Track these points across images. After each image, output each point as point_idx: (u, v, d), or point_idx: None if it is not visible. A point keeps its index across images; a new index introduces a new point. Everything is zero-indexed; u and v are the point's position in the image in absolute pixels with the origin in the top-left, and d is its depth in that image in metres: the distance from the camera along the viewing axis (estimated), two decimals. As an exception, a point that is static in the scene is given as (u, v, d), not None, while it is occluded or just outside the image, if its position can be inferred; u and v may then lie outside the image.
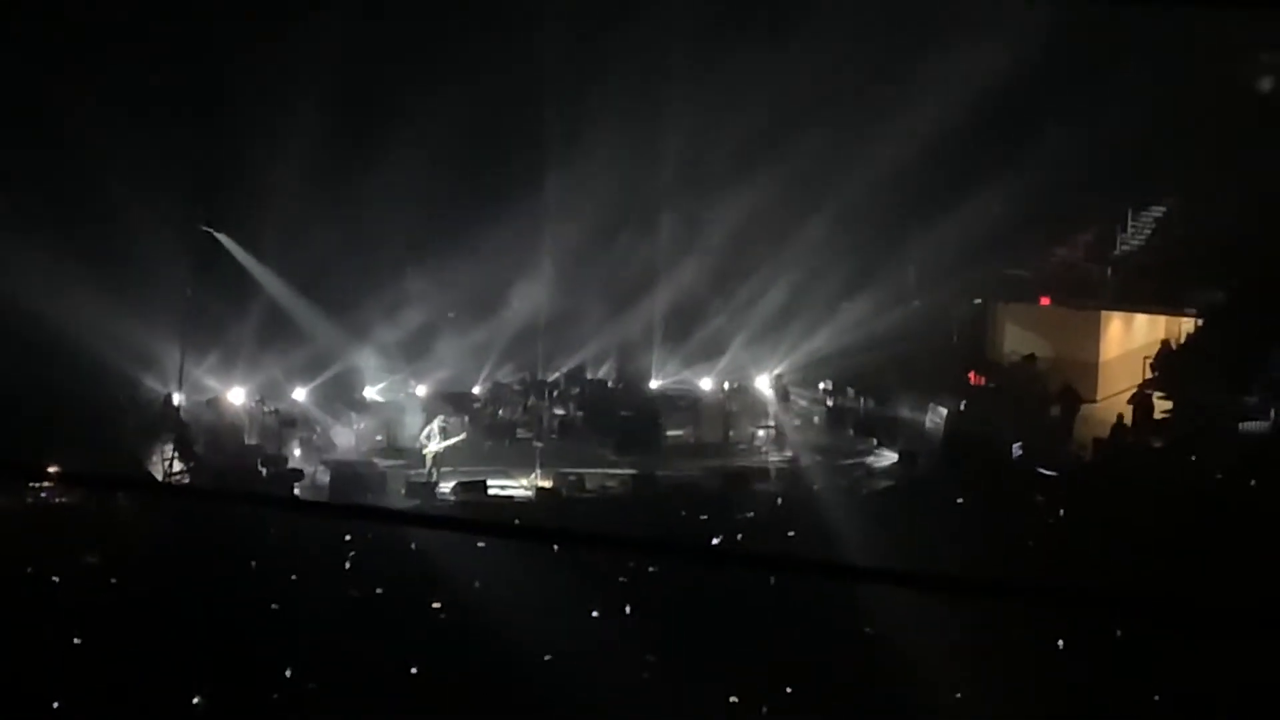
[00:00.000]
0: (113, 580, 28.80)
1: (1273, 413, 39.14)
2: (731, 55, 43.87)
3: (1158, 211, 46.55)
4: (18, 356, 37.04)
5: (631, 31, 42.44)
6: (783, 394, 43.04)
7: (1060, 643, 26.19)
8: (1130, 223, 46.60)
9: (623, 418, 41.74)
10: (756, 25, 43.42)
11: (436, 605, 28.06)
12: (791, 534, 32.58)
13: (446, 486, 36.41)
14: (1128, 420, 40.52)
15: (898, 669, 26.10)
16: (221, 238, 43.52)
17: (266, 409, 39.46)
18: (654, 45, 43.29)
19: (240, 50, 41.53)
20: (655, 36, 43.06)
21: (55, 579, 28.54)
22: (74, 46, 40.02)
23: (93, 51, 39.89)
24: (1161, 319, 46.17)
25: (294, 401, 40.32)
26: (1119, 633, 25.87)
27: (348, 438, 39.88)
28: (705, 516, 33.64)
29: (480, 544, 29.12)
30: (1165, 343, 44.56)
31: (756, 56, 43.36)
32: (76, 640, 26.15)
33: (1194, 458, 37.65)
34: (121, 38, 40.01)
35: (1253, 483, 34.45)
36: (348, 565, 29.42)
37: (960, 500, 35.08)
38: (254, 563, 29.17)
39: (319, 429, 40.00)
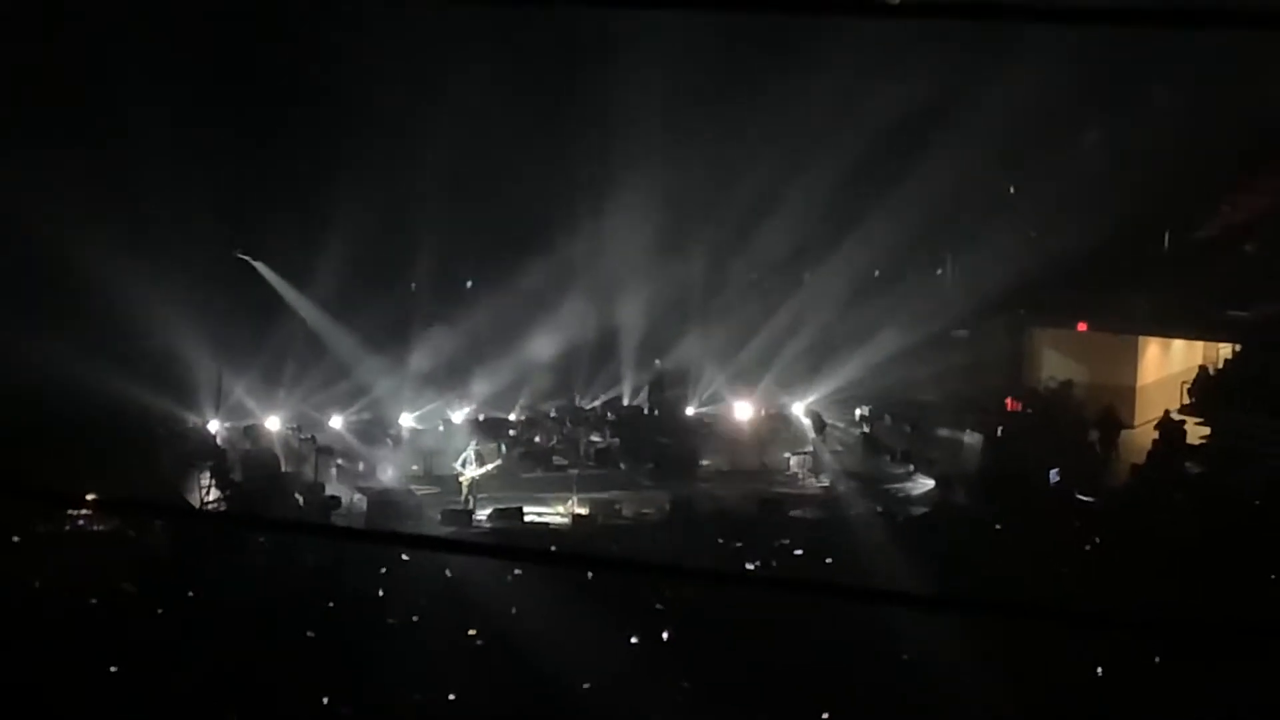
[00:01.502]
0: (149, 607, 28.84)
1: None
2: (764, 82, 43.92)
3: (1199, 235, 46.36)
4: (55, 384, 37.21)
5: (671, 60, 42.45)
6: (819, 420, 42.99)
7: (1099, 669, 26.06)
8: (1169, 246, 46.45)
9: (659, 444, 41.75)
10: (788, 50, 43.36)
11: (472, 632, 28.01)
12: (829, 560, 32.51)
13: (483, 514, 36.39)
14: (1165, 445, 40.40)
15: (935, 695, 26.00)
16: (258, 265, 43.71)
17: (303, 436, 39.52)
18: (690, 74, 43.28)
19: (281, 78, 41.66)
20: (693, 66, 43.04)
21: (92, 604, 28.58)
22: (114, 66, 40.18)
23: (130, 72, 40.03)
24: (1199, 344, 46.05)
25: (330, 429, 40.38)
26: (1157, 658, 25.73)
27: (384, 465, 39.89)
28: (741, 543, 33.58)
29: (516, 570, 29.11)
30: (1203, 368, 44.44)
31: (789, 83, 43.39)
32: (113, 668, 26.17)
33: (1232, 483, 37.51)
34: (159, 59, 40.17)
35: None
36: (383, 593, 29.40)
37: (998, 526, 34.99)
38: (290, 590, 29.17)
39: (356, 456, 40.03)
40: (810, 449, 42.11)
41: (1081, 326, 46.51)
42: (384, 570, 30.44)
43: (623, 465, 41.08)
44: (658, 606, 28.62)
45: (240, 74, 41.82)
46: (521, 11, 39.76)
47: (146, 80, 39.76)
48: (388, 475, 39.43)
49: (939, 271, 45.24)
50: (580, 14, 42.27)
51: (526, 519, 36.22)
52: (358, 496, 37.13)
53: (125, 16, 39.90)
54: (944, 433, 42.13)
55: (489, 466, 37.83)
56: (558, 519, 36.63)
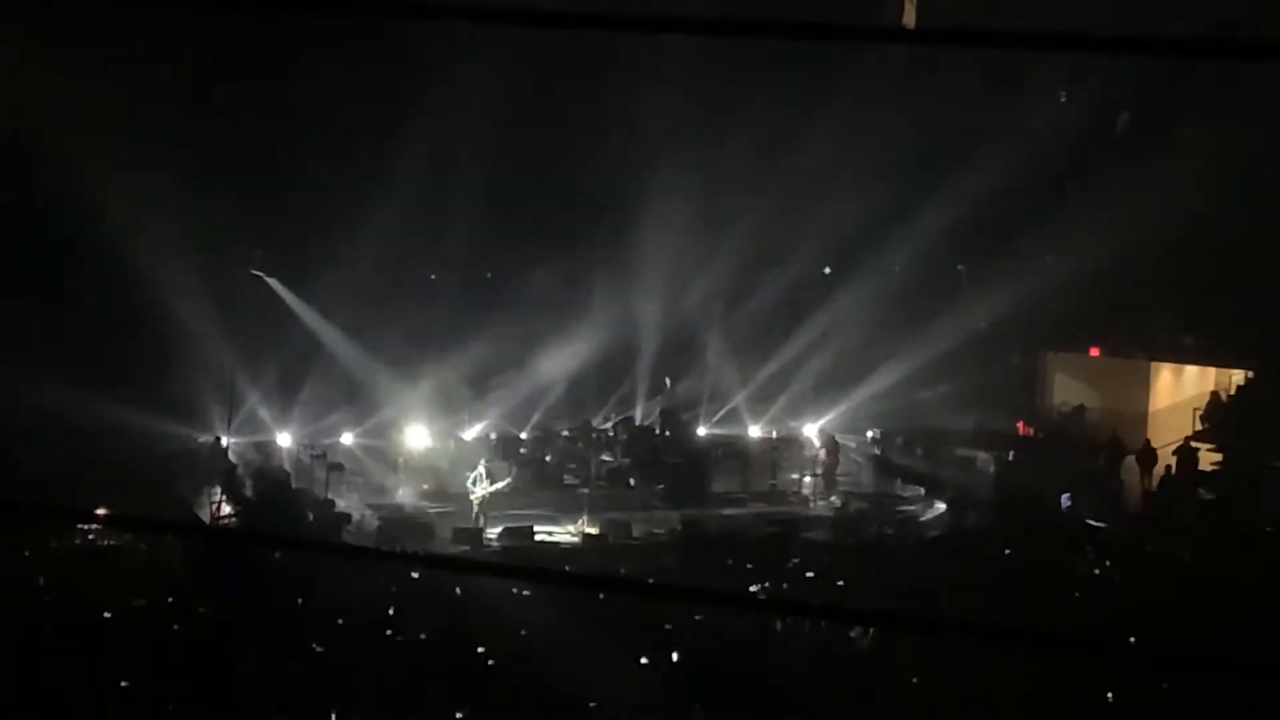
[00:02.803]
0: (160, 623, 28.82)
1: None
2: (784, 110, 43.95)
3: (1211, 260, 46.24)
4: (67, 399, 37.27)
5: (703, 82, 42.49)
6: (830, 442, 42.97)
7: (1110, 694, 25.99)
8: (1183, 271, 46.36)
9: (670, 465, 41.75)
10: (813, 80, 43.35)
11: (481, 650, 27.97)
12: (840, 583, 32.45)
13: (493, 532, 36.37)
14: (1177, 471, 40.35)
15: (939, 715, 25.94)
16: (271, 282, 43.78)
17: (314, 453, 39.53)
18: (711, 100, 43.32)
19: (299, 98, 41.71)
20: (722, 90, 43.06)
21: (104, 619, 28.56)
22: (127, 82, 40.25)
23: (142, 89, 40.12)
24: (1211, 370, 46.01)
25: (342, 445, 40.38)
26: (1165, 685, 25.66)
27: (395, 483, 39.90)
28: (751, 565, 33.52)
29: (526, 590, 29.08)
30: (1215, 394, 44.39)
31: (808, 111, 43.44)
32: (124, 683, 26.15)
33: (1244, 509, 37.45)
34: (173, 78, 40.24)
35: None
36: (393, 610, 29.37)
37: (1008, 551, 34.93)
38: (300, 607, 29.15)
39: (367, 473, 40.06)
40: (821, 471, 42.12)
41: (1094, 352, 46.51)
42: (394, 584, 30.44)
43: (634, 485, 41.07)
44: (666, 627, 28.57)
45: (254, 85, 41.79)
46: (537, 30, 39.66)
47: (154, 87, 39.82)
48: (399, 492, 39.43)
49: (954, 295, 45.19)
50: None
51: (537, 538, 36.21)
52: (369, 513, 37.12)
53: (136, 25, 39.97)
54: (956, 456, 42.09)
55: (500, 484, 37.80)
56: (568, 538, 36.61)
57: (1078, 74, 41.22)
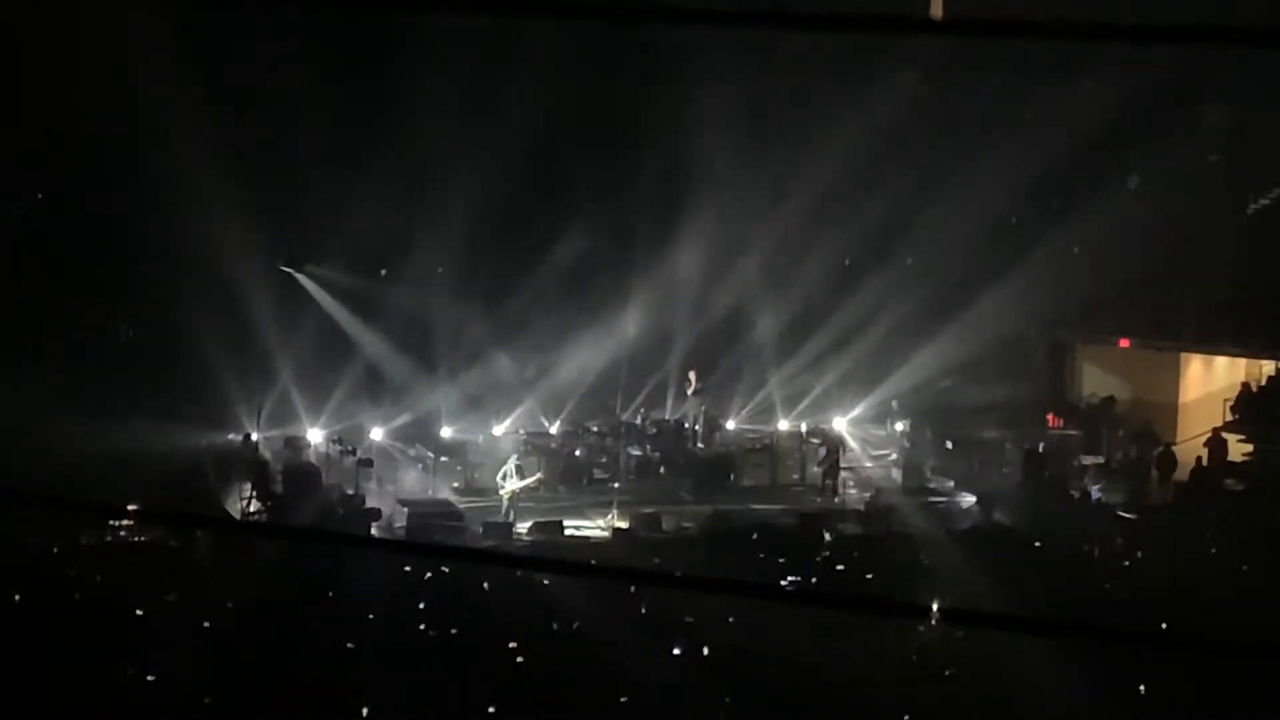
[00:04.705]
0: (190, 618, 28.90)
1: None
2: (809, 100, 43.89)
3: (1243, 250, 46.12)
4: (97, 394, 37.43)
5: (726, 78, 42.42)
6: (860, 435, 42.94)
7: (1141, 687, 25.98)
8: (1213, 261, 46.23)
9: (699, 458, 41.76)
10: (838, 68, 43.24)
11: (513, 645, 28.03)
12: (870, 576, 32.47)
13: (523, 526, 36.40)
14: (1207, 462, 40.29)
15: (976, 711, 25.95)
16: (300, 277, 43.86)
17: (344, 448, 39.58)
18: (736, 97, 43.21)
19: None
20: (742, 86, 42.96)
21: (136, 615, 28.65)
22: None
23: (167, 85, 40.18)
24: (1242, 361, 45.90)
25: (372, 441, 40.44)
26: (1198, 674, 25.63)
27: (425, 478, 39.95)
28: (782, 558, 33.53)
29: (556, 583, 29.12)
30: (1245, 385, 44.29)
31: (832, 103, 43.36)
32: (150, 677, 26.23)
33: (1274, 500, 37.39)
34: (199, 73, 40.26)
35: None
36: (423, 605, 29.43)
37: (1038, 544, 34.92)
38: (330, 601, 29.23)
39: (397, 468, 40.11)
40: (851, 464, 42.12)
41: (1124, 343, 46.42)
42: (427, 575, 30.50)
43: (663, 479, 41.08)
44: (696, 620, 28.57)
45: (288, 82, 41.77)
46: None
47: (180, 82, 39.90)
48: (429, 487, 39.48)
49: (984, 287, 45.06)
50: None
51: (566, 532, 36.26)
52: (398, 508, 37.16)
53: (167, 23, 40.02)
54: (986, 448, 42.03)
55: (530, 480, 37.86)
56: (598, 532, 36.65)
57: (1106, 58, 40.97)
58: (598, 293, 44.72)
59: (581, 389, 43.94)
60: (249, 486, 36.83)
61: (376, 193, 42.17)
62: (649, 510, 37.48)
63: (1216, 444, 41.15)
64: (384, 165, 41.88)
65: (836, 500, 39.82)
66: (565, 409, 43.54)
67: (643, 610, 28.51)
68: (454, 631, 28.65)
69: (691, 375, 44.25)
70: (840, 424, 43.58)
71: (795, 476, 41.95)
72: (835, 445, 41.19)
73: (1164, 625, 25.82)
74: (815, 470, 41.26)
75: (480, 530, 35.81)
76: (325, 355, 42.17)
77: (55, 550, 31.47)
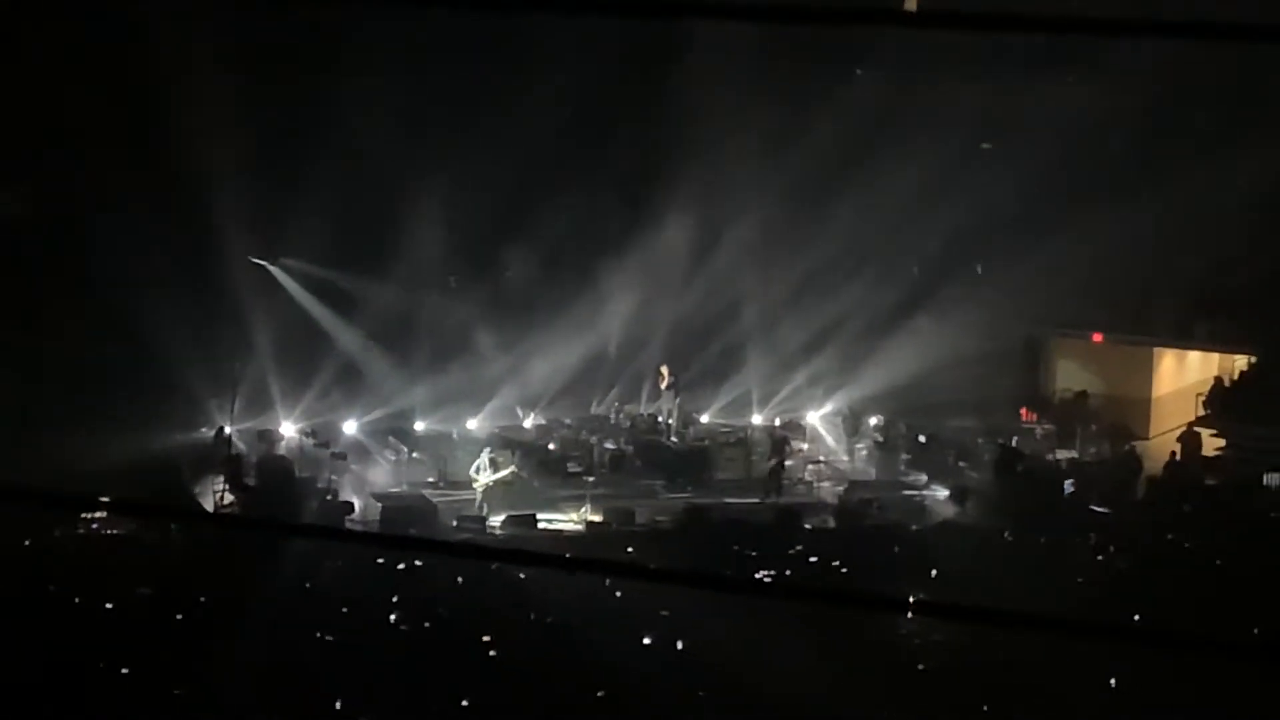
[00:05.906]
0: (163, 610, 28.85)
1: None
2: (795, 97, 43.81)
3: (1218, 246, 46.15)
4: (70, 385, 37.33)
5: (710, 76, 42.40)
6: (834, 429, 42.99)
7: (1112, 680, 26.03)
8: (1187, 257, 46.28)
9: (674, 452, 41.73)
10: (828, 65, 43.18)
11: (487, 639, 28.03)
12: (843, 569, 32.51)
13: (497, 520, 36.37)
14: (1180, 457, 40.37)
15: (949, 706, 26.00)
16: (274, 270, 43.73)
17: (317, 441, 39.52)
18: (717, 90, 43.14)
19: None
20: (727, 80, 42.87)
21: (107, 609, 28.61)
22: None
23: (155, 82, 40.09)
24: (1215, 356, 46.00)
25: (345, 434, 40.37)
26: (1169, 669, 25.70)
27: (399, 471, 39.89)
28: (755, 551, 33.55)
29: (529, 576, 29.13)
30: (1219, 379, 44.39)
31: (819, 99, 43.34)
32: (124, 670, 26.19)
33: (1247, 495, 37.50)
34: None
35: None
36: (396, 598, 29.41)
37: (1008, 536, 35.00)
38: (304, 594, 29.20)
39: (370, 462, 40.06)
40: (825, 458, 42.14)
41: (1097, 337, 46.49)
42: (400, 567, 30.49)
43: (638, 473, 41.02)
44: (669, 614, 28.59)
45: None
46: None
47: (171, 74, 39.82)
48: (403, 480, 39.41)
49: (959, 282, 45.02)
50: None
51: (540, 525, 36.22)
52: (372, 501, 37.11)
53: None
54: (959, 442, 42.05)
55: (503, 473, 37.77)
56: (571, 525, 36.62)
57: (1089, 57, 41.01)
58: (572, 286, 44.61)
59: (556, 385, 43.86)
60: (222, 480, 36.77)
61: (350, 187, 41.99)
62: (623, 504, 37.47)
63: (1190, 438, 41.24)
64: (351, 159, 41.71)
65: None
66: (540, 404, 43.51)
67: (616, 603, 28.51)
68: (427, 625, 28.65)
69: (664, 370, 44.09)
70: (814, 418, 43.60)
71: (775, 470, 41.83)
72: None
73: (1135, 618, 25.96)
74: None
75: (454, 524, 35.77)
76: (299, 348, 41.98)
77: (26, 544, 31.36)
